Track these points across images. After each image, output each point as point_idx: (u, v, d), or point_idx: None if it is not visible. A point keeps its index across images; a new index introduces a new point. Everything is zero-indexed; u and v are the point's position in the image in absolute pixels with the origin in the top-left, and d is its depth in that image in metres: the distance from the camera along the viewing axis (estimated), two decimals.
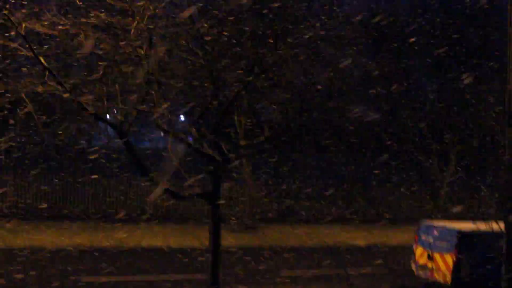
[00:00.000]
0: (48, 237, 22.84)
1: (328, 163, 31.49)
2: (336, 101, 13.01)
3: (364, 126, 22.80)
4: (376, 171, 31.68)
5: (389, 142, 30.34)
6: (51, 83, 9.96)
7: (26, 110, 10.82)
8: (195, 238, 24.18)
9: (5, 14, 9.40)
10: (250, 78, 11.14)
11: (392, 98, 24.51)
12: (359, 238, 27.15)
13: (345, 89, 12.89)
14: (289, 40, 11.67)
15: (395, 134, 29.16)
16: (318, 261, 21.72)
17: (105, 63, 10.20)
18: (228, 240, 24.27)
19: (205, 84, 11.41)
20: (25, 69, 10.77)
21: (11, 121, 18.94)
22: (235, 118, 13.03)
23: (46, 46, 10.28)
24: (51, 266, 18.38)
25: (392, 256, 22.61)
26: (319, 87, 11.96)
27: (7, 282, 16.25)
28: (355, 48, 13.79)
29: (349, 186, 32.69)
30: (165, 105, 10.72)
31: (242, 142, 12.56)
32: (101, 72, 10.07)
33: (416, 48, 25.14)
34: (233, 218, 26.78)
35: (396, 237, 27.93)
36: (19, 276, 16.78)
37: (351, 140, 24.51)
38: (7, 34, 10.06)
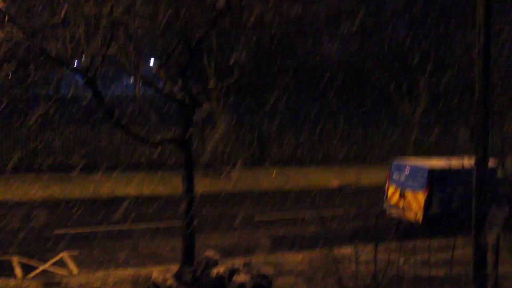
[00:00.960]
0: (19, 190, 22.60)
1: (299, 103, 31.44)
2: (306, 39, 12.78)
3: (335, 65, 22.66)
4: (348, 111, 31.85)
5: (359, 81, 30.36)
6: (11, 29, 9.59)
7: None
8: (169, 185, 24.21)
9: None
10: (217, 17, 10.85)
11: (362, 34, 24.30)
12: (332, 179, 27.41)
13: (315, 26, 12.62)
14: None
15: (366, 72, 29.10)
16: (291, 204, 21.91)
17: (67, 5, 9.80)
18: (202, 186, 24.32)
19: (172, 24, 11.08)
20: None
21: None
22: (205, 60, 12.73)
23: None
24: (29, 218, 18.21)
25: (365, 197, 22.91)
26: (288, 25, 11.70)
27: None
28: None
29: (322, 127, 32.78)
30: (132, 48, 10.40)
31: (212, 85, 12.30)
32: (63, 15, 9.68)
33: None
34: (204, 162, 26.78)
35: (369, 177, 28.30)
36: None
37: (322, 79, 24.37)
38: None
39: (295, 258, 14.34)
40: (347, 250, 13.79)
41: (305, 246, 15.55)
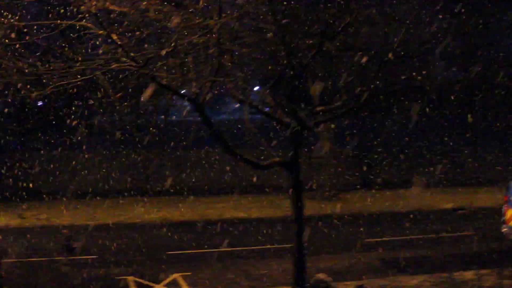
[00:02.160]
0: (135, 212, 23.40)
1: (408, 126, 30.73)
2: (415, 61, 12.51)
3: (446, 88, 22.06)
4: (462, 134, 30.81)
5: (472, 102, 29.28)
6: (125, 60, 10.00)
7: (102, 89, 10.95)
8: (276, 208, 24.28)
9: None
10: (323, 42, 10.82)
11: (473, 56, 23.56)
12: (445, 201, 26.47)
13: (424, 48, 12.33)
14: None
15: (478, 94, 28.07)
16: (401, 226, 21.34)
17: (176, 35, 10.12)
18: (311, 208, 24.19)
19: (278, 51, 11.16)
20: (98, 47, 10.85)
21: (91, 101, 19.50)
22: (310, 84, 12.76)
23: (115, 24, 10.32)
24: (143, 239, 18.83)
25: (480, 219, 21.96)
26: (395, 47, 11.49)
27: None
28: (431, 4, 13.22)
29: (433, 149, 31.84)
30: (239, 75, 10.57)
31: (319, 108, 12.23)
32: (173, 45, 10.00)
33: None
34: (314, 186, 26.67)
35: (484, 199, 27.10)
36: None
37: (433, 102, 23.71)
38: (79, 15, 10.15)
39: (410, 282, 13.89)
40: (467, 275, 13.20)
41: (419, 269, 15.05)
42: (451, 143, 31.40)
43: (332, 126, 25.39)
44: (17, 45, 10.91)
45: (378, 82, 12.20)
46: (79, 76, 10.13)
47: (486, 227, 20.20)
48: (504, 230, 17.36)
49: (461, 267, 14.32)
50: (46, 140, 26.65)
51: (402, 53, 11.99)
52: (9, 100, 17.03)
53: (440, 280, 13.49)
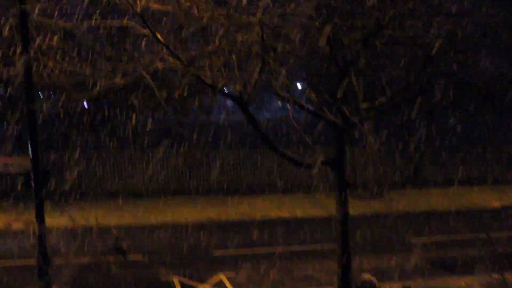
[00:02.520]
0: (179, 213, 23.52)
1: (456, 122, 30.21)
2: (461, 54, 12.24)
3: (494, 82, 21.53)
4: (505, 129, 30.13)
5: None
6: (169, 59, 10.03)
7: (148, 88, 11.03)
8: (321, 208, 24.11)
9: None
10: (368, 36, 10.67)
11: None
12: (493, 199, 25.92)
13: (470, 41, 12.05)
14: None
15: None
16: (448, 225, 20.95)
17: (220, 33, 10.12)
18: (355, 208, 23.94)
19: (322, 47, 11.05)
20: (143, 47, 10.93)
21: (135, 100, 19.65)
22: (353, 80, 12.60)
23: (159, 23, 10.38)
24: (184, 240, 18.94)
25: None
26: (441, 41, 11.25)
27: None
28: None
29: (479, 145, 31.23)
30: (283, 72, 10.50)
31: (363, 105, 12.08)
32: (217, 43, 10.00)
33: None
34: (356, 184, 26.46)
35: None
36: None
37: (481, 97, 23.25)
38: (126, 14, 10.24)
39: (457, 283, 13.63)
40: None
41: (467, 270, 14.74)
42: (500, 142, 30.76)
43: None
44: (64, 46, 11.10)
45: (423, 78, 11.99)
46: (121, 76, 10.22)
47: None
48: None
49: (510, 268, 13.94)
50: (93, 141, 27.08)
51: (449, 46, 11.74)
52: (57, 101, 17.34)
53: (490, 282, 13.16)
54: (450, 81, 12.72)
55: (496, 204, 24.95)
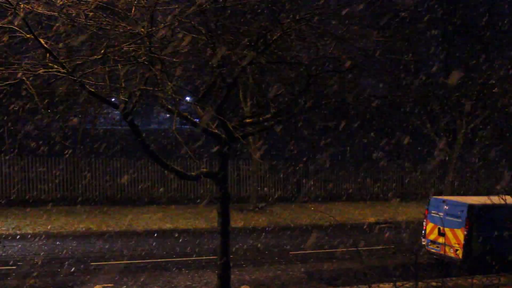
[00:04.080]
0: (54, 223, 22.81)
1: (335, 140, 31.37)
2: (343, 76, 12.79)
3: (371, 102, 22.62)
4: (384, 148, 31.59)
5: (396, 119, 30.08)
6: (52, 65, 9.78)
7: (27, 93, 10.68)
8: (203, 220, 24.22)
9: None
10: (254, 54, 10.92)
11: (398, 71, 24.20)
12: (369, 215, 27.11)
13: (351, 64, 12.62)
14: (293, 14, 11.45)
15: (403, 110, 28.88)
16: (327, 239, 21.67)
17: (106, 42, 10.00)
18: (238, 220, 24.26)
19: (209, 62, 11.20)
20: (26, 51, 10.61)
21: (14, 106, 18.91)
22: (240, 95, 12.74)
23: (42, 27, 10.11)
24: (66, 250, 18.39)
25: (402, 233, 22.58)
26: (325, 62, 11.75)
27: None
28: (360, 22, 13.58)
29: (356, 163, 32.61)
30: (170, 84, 10.52)
31: (248, 120, 12.32)
32: (102, 52, 9.87)
33: (422, 21, 24.84)
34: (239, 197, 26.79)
35: (406, 213, 27.95)
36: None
37: (359, 116, 24.34)
38: (7, 16, 9.89)
39: None
40: (386, 286, 13.53)
41: (342, 282, 15.33)
42: (379, 161, 32.22)
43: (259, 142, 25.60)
44: None
45: (305, 97, 12.42)
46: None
47: (407, 240, 20.79)
48: (423, 242, 17.96)
49: (382, 279, 14.67)
50: None
51: (332, 68, 12.24)
52: None
53: None
54: (331, 101, 13.24)
55: (371, 219, 26.09)
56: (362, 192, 32.50)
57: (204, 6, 10.14)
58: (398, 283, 9.71)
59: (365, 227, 24.37)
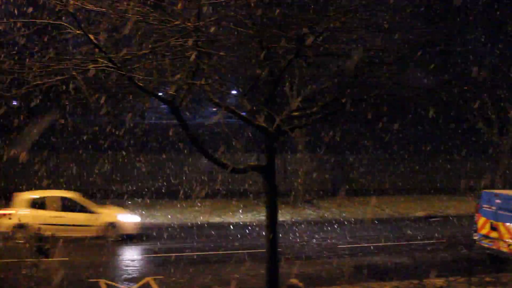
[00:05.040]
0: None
1: (384, 133, 31.02)
2: (391, 68, 12.57)
3: (421, 95, 22.19)
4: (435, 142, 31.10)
5: (447, 111, 29.47)
6: (101, 60, 9.91)
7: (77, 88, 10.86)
8: (251, 213, 24.31)
9: None
10: (301, 47, 10.84)
11: (448, 63, 23.69)
12: (419, 209, 26.74)
13: (400, 55, 12.41)
14: (339, 7, 11.33)
15: (453, 102, 28.29)
16: (376, 233, 21.48)
17: (154, 37, 10.08)
18: (285, 213, 24.25)
19: (256, 55, 11.17)
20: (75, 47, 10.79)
21: (66, 102, 19.26)
22: (287, 89, 12.64)
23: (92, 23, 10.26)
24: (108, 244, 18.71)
25: (453, 227, 22.22)
26: (372, 53, 11.57)
27: None
28: (408, 12, 13.31)
29: (405, 156, 32.16)
30: (216, 78, 10.54)
31: (295, 113, 12.25)
32: (150, 47, 9.95)
33: (473, 10, 24.27)
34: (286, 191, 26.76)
35: (457, 207, 27.46)
36: None
37: (408, 109, 23.93)
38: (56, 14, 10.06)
39: None
40: (438, 282, 13.31)
41: (391, 276, 15.14)
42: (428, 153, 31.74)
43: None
44: None
45: (354, 89, 12.27)
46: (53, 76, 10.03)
47: (459, 235, 20.45)
48: (475, 237, 17.59)
49: (433, 273, 14.42)
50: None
51: (378, 59, 12.05)
52: None
53: (411, 287, 13.58)
54: (379, 93, 13.02)
55: (420, 213, 25.74)
56: (411, 185, 32.05)
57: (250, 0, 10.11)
58: (450, 278, 9.53)
59: (414, 220, 24.06)
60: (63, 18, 9.72)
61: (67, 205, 19.34)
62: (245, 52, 11.66)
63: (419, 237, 20.58)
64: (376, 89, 12.80)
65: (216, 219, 23.24)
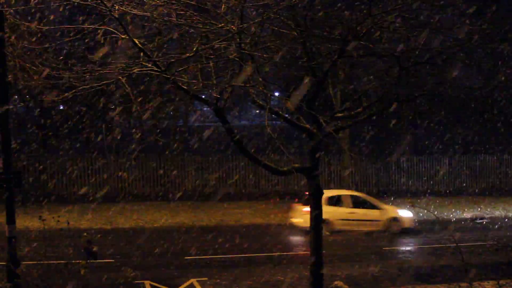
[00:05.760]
0: (152, 217, 23.45)
1: (427, 134, 30.66)
2: (437, 67, 12.36)
3: (469, 95, 21.89)
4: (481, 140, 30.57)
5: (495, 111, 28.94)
6: (146, 64, 10.00)
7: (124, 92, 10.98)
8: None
9: None
10: (345, 47, 10.73)
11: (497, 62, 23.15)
12: (465, 210, 26.29)
13: (446, 54, 12.17)
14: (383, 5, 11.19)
15: (501, 101, 27.76)
16: (420, 235, 21.16)
17: (198, 40, 10.12)
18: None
19: (299, 56, 11.12)
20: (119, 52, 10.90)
21: (110, 105, 19.61)
22: (330, 89, 12.52)
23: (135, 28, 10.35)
24: (159, 244, 18.86)
25: (503, 229, 21.77)
26: (417, 52, 11.37)
27: None
28: (455, 9, 13.06)
29: (453, 157, 31.68)
30: (260, 80, 10.52)
31: (339, 114, 12.14)
32: (194, 50, 9.99)
33: None
34: None
35: (504, 208, 26.93)
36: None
37: (455, 108, 23.62)
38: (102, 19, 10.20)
39: None
40: (488, 285, 13.00)
41: (440, 279, 14.86)
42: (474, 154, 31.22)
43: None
44: (40, 49, 11.02)
45: (399, 89, 12.09)
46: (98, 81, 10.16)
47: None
48: None
49: (483, 276, 14.11)
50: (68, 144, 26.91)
51: (424, 59, 11.84)
52: (31, 104, 17.11)
53: None
54: (424, 93, 12.81)
55: (467, 214, 25.33)
56: (456, 186, 31.53)
57: (293, 0, 10.05)
58: (501, 281, 9.27)
59: (461, 222, 23.64)
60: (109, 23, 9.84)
61: (358, 202, 21.96)
62: (289, 54, 11.61)
63: (466, 239, 20.20)
64: (421, 89, 12.62)
65: (258, 220, 23.19)
